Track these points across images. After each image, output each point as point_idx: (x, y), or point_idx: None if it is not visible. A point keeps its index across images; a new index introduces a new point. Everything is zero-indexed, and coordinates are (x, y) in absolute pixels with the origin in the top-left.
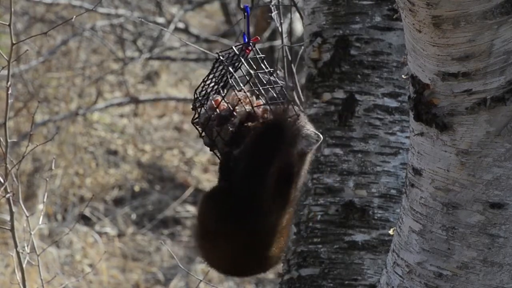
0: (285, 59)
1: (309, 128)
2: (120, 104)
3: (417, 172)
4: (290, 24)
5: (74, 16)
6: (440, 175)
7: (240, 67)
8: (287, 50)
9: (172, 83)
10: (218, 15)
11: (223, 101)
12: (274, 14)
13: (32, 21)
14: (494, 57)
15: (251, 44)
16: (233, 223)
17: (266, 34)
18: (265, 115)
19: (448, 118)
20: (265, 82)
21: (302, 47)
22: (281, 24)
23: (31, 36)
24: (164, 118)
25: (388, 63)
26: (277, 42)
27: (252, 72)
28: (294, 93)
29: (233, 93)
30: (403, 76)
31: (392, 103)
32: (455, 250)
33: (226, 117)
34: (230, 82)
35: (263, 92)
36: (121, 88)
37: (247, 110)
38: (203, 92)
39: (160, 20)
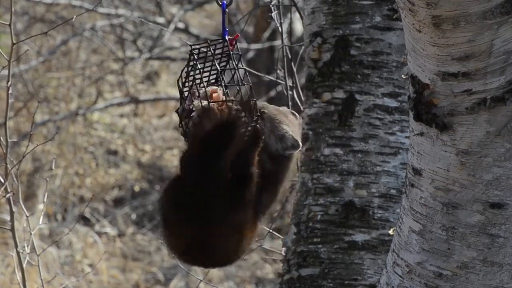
0: (285, 59)
1: (288, 131)
2: (120, 104)
3: (417, 172)
4: (290, 24)
5: (74, 16)
6: (440, 175)
7: (228, 62)
8: (287, 50)
9: (172, 83)
10: (218, 15)
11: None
12: (274, 14)
13: (32, 21)
14: (494, 57)
15: (227, 40)
16: (183, 214)
17: (266, 34)
18: (224, 110)
19: (448, 118)
20: (235, 79)
21: (302, 47)
22: (281, 24)
23: (31, 36)
24: (164, 118)
25: (388, 63)
26: (277, 42)
27: (219, 68)
28: (295, 93)
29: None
30: (403, 76)
31: (392, 103)
32: (455, 250)
33: (190, 111)
34: (195, 76)
35: (224, 88)
36: (121, 88)
37: (202, 105)
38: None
39: (160, 20)
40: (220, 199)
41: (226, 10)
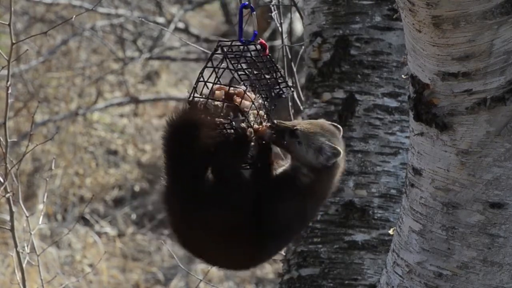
0: (285, 59)
1: (324, 141)
2: (120, 104)
3: (417, 172)
4: (290, 24)
5: (74, 16)
6: (440, 175)
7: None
8: (287, 50)
9: (172, 83)
10: (218, 15)
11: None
12: (274, 14)
13: (32, 21)
14: (494, 57)
15: (260, 44)
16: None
17: (266, 34)
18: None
19: (448, 118)
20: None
21: (302, 47)
22: (281, 24)
23: (31, 36)
24: (164, 118)
25: (388, 63)
26: (277, 42)
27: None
28: (295, 93)
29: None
30: (403, 76)
31: (392, 103)
32: (455, 250)
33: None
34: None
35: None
36: (121, 88)
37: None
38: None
39: (160, 20)
40: (186, 192)
41: (253, 12)
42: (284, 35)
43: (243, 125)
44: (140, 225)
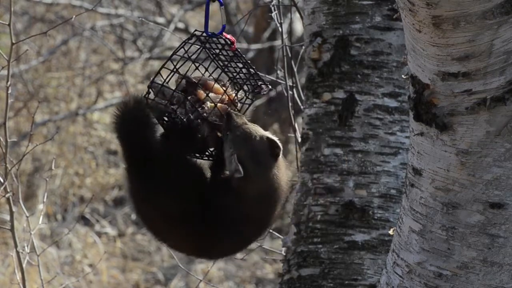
0: (285, 59)
1: (235, 156)
2: None
3: (417, 172)
4: (290, 24)
5: (74, 16)
6: (440, 175)
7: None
8: (287, 50)
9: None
10: (218, 15)
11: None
12: (274, 14)
13: (32, 21)
14: (494, 57)
15: (209, 34)
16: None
17: (266, 34)
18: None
19: (448, 118)
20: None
21: (302, 47)
22: (281, 24)
23: (31, 36)
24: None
25: (388, 63)
26: (277, 42)
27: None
28: (295, 93)
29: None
30: (403, 76)
31: (392, 103)
32: (455, 250)
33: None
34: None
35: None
36: (121, 88)
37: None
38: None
39: (160, 20)
40: (138, 176)
41: (223, 6)
42: (284, 35)
43: (191, 115)
44: (140, 225)
